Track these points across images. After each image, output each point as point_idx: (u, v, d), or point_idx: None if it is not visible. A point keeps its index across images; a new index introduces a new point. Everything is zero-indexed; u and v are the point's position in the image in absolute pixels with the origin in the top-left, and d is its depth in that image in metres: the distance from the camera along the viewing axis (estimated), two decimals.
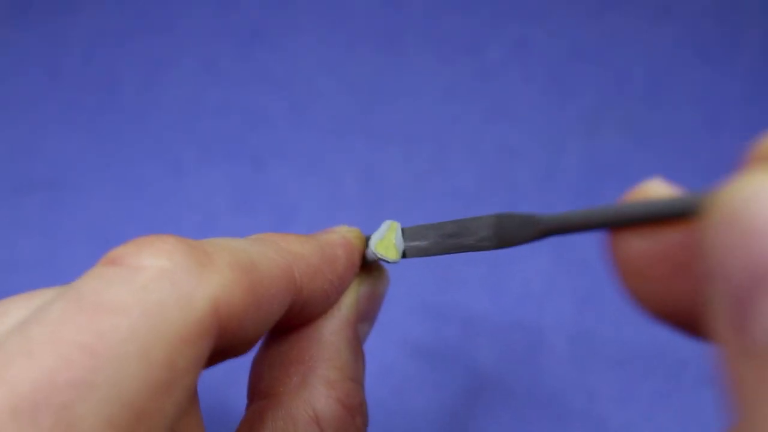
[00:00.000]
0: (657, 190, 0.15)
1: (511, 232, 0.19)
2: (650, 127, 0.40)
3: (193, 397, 0.17)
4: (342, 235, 0.21)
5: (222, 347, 0.16)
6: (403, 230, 0.22)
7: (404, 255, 0.22)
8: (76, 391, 0.13)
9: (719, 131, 0.40)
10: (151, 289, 0.14)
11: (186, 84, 0.41)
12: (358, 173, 0.39)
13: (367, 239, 0.22)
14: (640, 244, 0.15)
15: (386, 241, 0.21)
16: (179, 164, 0.39)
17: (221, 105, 0.41)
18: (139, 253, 0.15)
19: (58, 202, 0.38)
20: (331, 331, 0.21)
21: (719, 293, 0.12)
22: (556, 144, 0.39)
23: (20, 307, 0.15)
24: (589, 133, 0.40)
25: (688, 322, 0.15)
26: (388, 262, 0.21)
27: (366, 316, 0.22)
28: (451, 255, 0.21)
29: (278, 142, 0.40)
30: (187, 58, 0.42)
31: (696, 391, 0.33)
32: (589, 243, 0.35)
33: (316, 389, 0.19)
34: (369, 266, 0.23)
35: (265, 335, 0.21)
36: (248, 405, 0.20)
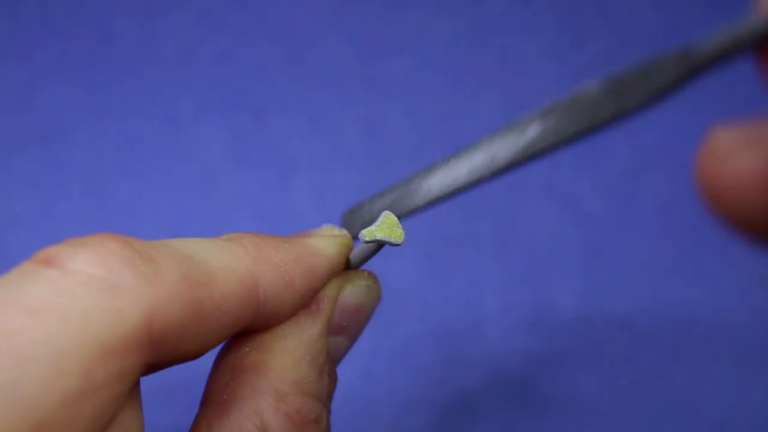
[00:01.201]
0: None
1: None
2: None
3: (124, 409, 0.15)
4: (325, 241, 0.20)
5: (161, 358, 0.15)
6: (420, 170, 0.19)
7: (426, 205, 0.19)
8: None
9: (729, 81, 0.39)
10: (78, 296, 0.14)
11: (182, 34, 0.40)
12: (360, 126, 0.38)
13: (356, 238, 0.20)
14: None
15: (388, 223, 0.19)
16: (176, 116, 0.38)
17: (219, 56, 0.40)
18: (74, 255, 0.14)
19: (52, 156, 0.37)
20: (293, 340, 0.19)
21: None
22: (563, 95, 0.38)
23: None
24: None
25: None
26: (393, 243, 0.19)
27: (345, 330, 0.20)
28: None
29: (278, 94, 0.39)
30: (184, 8, 0.41)
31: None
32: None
33: (264, 400, 0.18)
34: (356, 274, 0.20)
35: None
36: (199, 410, 0.19)
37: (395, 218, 0.19)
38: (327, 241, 0.20)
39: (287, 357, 0.19)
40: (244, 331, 0.18)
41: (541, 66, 0.39)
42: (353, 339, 0.21)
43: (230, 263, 0.17)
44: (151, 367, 0.16)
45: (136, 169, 0.37)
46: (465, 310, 0.34)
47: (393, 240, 0.19)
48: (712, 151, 0.13)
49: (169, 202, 0.36)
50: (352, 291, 0.20)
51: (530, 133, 0.17)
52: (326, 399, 0.19)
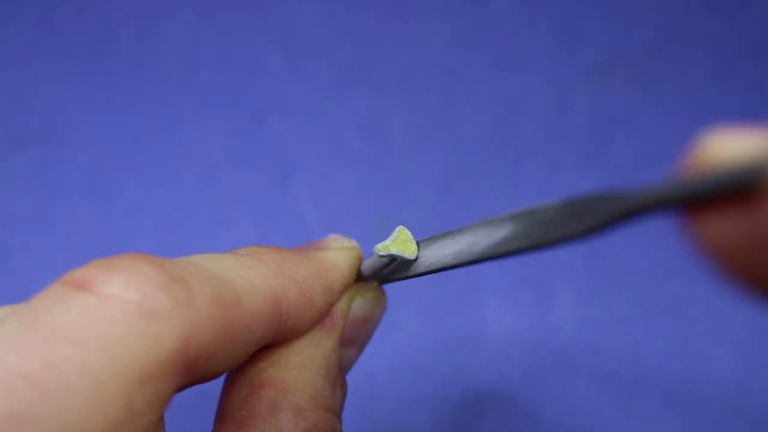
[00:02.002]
0: (730, 147, 0.12)
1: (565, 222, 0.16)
2: (659, 79, 0.39)
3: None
4: (340, 255, 0.20)
5: (192, 380, 0.15)
6: (418, 243, 0.20)
7: (418, 265, 0.20)
8: (12, 425, 0.12)
9: (729, 84, 0.39)
10: (115, 323, 0.13)
11: (183, 35, 0.40)
12: (360, 126, 0.38)
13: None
14: (733, 223, 0.12)
15: (402, 238, 0.19)
16: (176, 117, 0.38)
17: (219, 56, 0.40)
18: (108, 280, 0.14)
19: (51, 156, 0.37)
20: (309, 355, 0.19)
21: None
22: (564, 96, 0.38)
23: None
24: (598, 85, 0.39)
25: None
26: (406, 258, 0.19)
27: (354, 341, 0.20)
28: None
29: (278, 94, 0.39)
30: (184, 9, 0.41)
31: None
32: None
33: (284, 416, 0.18)
34: (366, 285, 0.21)
35: None
36: (215, 427, 0.19)
37: (409, 233, 0.20)
38: (341, 255, 0.20)
39: (304, 372, 0.19)
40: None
41: (541, 66, 0.39)
42: (361, 349, 0.21)
43: (254, 281, 0.17)
44: (178, 388, 0.16)
45: (136, 169, 0.37)
46: (465, 310, 0.34)
47: (406, 255, 0.19)
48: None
49: (169, 202, 0.36)
50: (362, 303, 0.20)
51: (500, 233, 0.18)
52: (339, 411, 0.19)
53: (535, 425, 0.32)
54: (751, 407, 0.32)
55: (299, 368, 0.19)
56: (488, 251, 0.18)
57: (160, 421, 0.15)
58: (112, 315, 0.13)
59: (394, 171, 0.36)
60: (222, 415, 0.18)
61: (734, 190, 0.12)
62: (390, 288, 0.21)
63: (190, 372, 0.15)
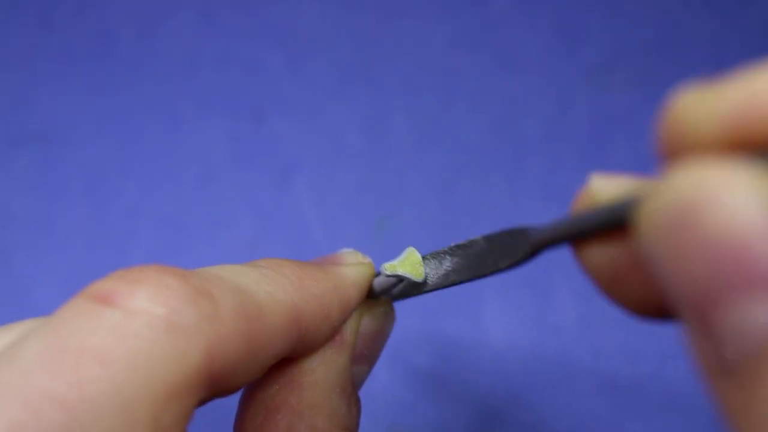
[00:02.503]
0: (602, 190, 0.14)
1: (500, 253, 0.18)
2: (659, 79, 0.39)
3: None
4: (357, 271, 0.19)
5: (215, 393, 0.15)
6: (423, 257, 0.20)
7: (425, 285, 0.20)
8: None
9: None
10: (142, 338, 0.13)
11: (183, 36, 0.40)
12: (360, 127, 0.38)
13: (377, 274, 0.20)
14: (605, 254, 0.14)
15: (410, 260, 0.19)
16: (176, 117, 0.38)
17: (219, 56, 0.40)
18: (134, 292, 0.14)
19: (51, 156, 0.37)
20: (322, 374, 0.19)
21: (681, 307, 0.11)
22: (563, 96, 0.38)
23: None
24: (597, 85, 0.39)
25: (665, 310, 0.14)
26: (413, 280, 0.19)
27: (366, 357, 0.20)
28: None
29: (278, 94, 0.39)
30: (184, 9, 0.41)
31: None
32: None
33: None
34: (376, 301, 0.20)
35: None
36: None
37: (418, 256, 0.20)
38: (357, 271, 0.20)
39: (318, 392, 0.18)
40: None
41: (541, 66, 0.39)
42: (373, 365, 0.21)
43: (276, 294, 0.16)
44: (201, 402, 0.16)
45: (136, 169, 0.37)
46: (465, 310, 0.34)
47: (414, 277, 0.19)
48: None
49: (169, 202, 0.36)
50: (372, 319, 0.20)
51: (445, 265, 0.19)
52: (356, 429, 0.19)
53: (535, 425, 0.32)
54: None
55: (313, 388, 0.18)
56: (440, 282, 0.20)
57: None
58: (139, 330, 0.13)
59: (394, 171, 0.36)
60: None
61: (608, 224, 0.14)
62: None
63: (214, 385, 0.15)
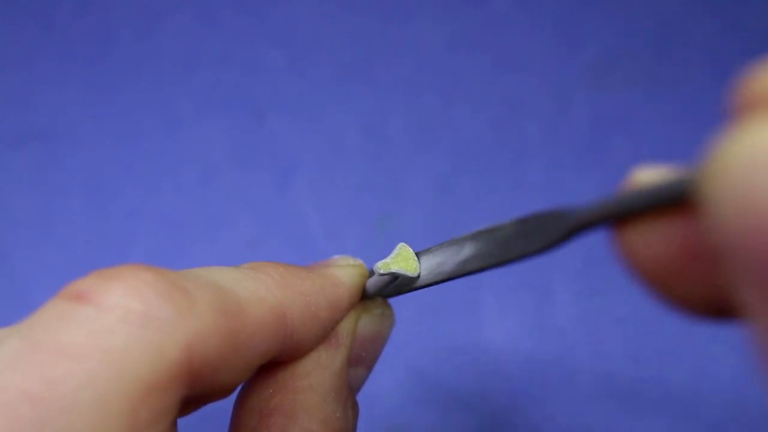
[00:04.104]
0: (649, 177, 0.13)
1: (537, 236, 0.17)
2: (658, 79, 0.39)
3: None
4: (346, 272, 0.19)
5: (196, 395, 0.15)
6: (417, 253, 0.20)
7: (419, 282, 0.19)
8: None
9: (728, 84, 0.39)
10: (117, 333, 0.13)
11: (183, 36, 0.40)
12: (360, 126, 0.38)
13: (371, 273, 0.20)
14: (655, 239, 0.12)
15: (403, 255, 0.19)
16: (176, 116, 0.38)
17: (219, 56, 0.40)
18: (108, 289, 0.14)
19: (51, 156, 0.37)
20: (317, 377, 0.18)
21: (743, 275, 0.09)
22: (563, 96, 0.38)
23: None
24: (597, 85, 0.39)
25: (726, 309, 0.12)
26: (408, 275, 0.19)
27: (363, 360, 0.20)
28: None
29: (278, 94, 0.39)
30: (184, 8, 0.41)
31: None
32: None
33: None
34: (372, 303, 0.20)
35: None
36: None
37: (410, 251, 0.19)
38: (347, 272, 0.20)
39: (313, 395, 0.18)
40: (266, 365, 0.18)
41: (541, 66, 0.39)
42: (371, 368, 0.21)
43: (258, 292, 0.16)
44: (187, 406, 0.15)
45: (136, 169, 0.37)
46: (465, 311, 0.34)
47: (408, 272, 0.19)
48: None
49: (169, 202, 0.36)
50: (369, 321, 0.20)
51: (465, 252, 0.19)
52: None
53: (535, 425, 0.32)
54: (750, 407, 0.32)
55: (307, 392, 0.18)
56: (455, 271, 0.19)
57: (171, 430, 0.15)
58: (114, 325, 0.13)
59: (394, 171, 0.36)
60: None
61: (663, 201, 0.12)
62: None
63: (195, 383, 0.14)
